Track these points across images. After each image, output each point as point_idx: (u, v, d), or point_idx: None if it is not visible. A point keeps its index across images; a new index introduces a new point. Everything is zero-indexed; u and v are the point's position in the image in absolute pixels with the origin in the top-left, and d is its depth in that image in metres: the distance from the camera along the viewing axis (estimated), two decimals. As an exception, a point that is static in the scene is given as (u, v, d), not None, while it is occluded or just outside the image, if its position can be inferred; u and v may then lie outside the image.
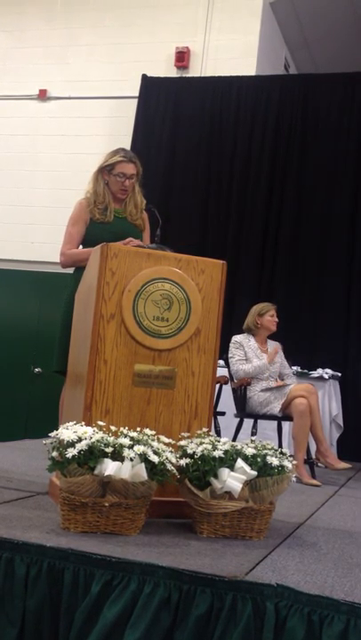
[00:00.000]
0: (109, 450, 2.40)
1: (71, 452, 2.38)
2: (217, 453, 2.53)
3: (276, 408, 4.75)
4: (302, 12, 8.01)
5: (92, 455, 2.40)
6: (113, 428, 2.58)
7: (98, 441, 2.42)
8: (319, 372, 6.20)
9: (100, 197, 3.50)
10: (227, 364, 5.06)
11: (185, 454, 2.59)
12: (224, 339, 3.45)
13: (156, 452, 2.44)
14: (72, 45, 8.04)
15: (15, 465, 3.91)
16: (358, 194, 6.92)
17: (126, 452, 2.40)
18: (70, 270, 3.57)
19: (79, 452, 2.39)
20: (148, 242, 3.56)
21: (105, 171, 3.52)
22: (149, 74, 7.60)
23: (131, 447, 2.42)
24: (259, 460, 2.57)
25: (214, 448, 2.56)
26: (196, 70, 7.64)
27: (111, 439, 2.45)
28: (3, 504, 2.79)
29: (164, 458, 2.46)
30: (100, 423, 2.59)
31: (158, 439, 2.56)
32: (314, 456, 4.79)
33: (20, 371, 7.69)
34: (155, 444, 2.49)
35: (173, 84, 7.58)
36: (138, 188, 3.59)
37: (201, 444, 2.59)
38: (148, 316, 2.86)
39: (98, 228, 3.47)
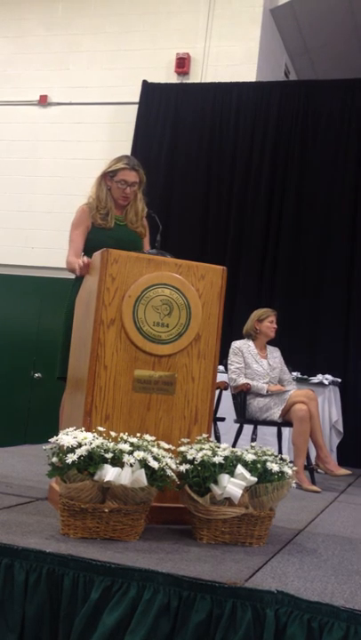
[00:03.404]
0: (109, 456, 2.40)
1: (71, 458, 2.38)
2: (217, 459, 2.53)
3: (275, 414, 4.74)
4: (302, 19, 8.03)
5: (92, 461, 2.40)
6: (113, 433, 2.58)
7: (98, 447, 2.42)
8: (319, 377, 6.19)
9: (102, 203, 3.52)
10: (227, 370, 5.05)
11: (185, 460, 2.59)
12: (224, 344, 3.45)
13: (155, 458, 2.44)
14: (72, 51, 8.07)
15: (15, 470, 3.91)
16: (359, 199, 6.93)
17: (126, 458, 2.40)
18: (72, 276, 3.57)
19: (79, 458, 2.39)
20: (148, 248, 3.57)
21: (108, 176, 3.53)
22: (150, 80, 7.62)
23: (130, 453, 2.42)
24: (259, 466, 2.57)
25: (214, 454, 2.56)
26: (197, 76, 7.66)
27: (111, 445, 2.45)
28: (2, 509, 2.79)
29: (164, 464, 2.45)
30: (100, 429, 2.59)
31: (158, 445, 2.56)
32: (314, 462, 4.78)
33: (20, 376, 7.69)
34: (155, 449, 2.49)
35: (174, 90, 7.60)
36: (140, 196, 3.60)
37: (201, 449, 2.59)
38: (148, 321, 2.86)
39: (99, 233, 3.48)
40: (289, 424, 4.77)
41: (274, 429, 5.16)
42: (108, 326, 2.83)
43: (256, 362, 4.97)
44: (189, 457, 2.58)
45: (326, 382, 6.17)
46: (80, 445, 2.42)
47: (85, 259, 3.13)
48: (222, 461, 2.54)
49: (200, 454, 2.55)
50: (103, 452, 2.41)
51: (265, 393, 4.82)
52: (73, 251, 3.48)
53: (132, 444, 2.48)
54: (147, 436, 2.58)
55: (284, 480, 2.60)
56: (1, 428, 7.36)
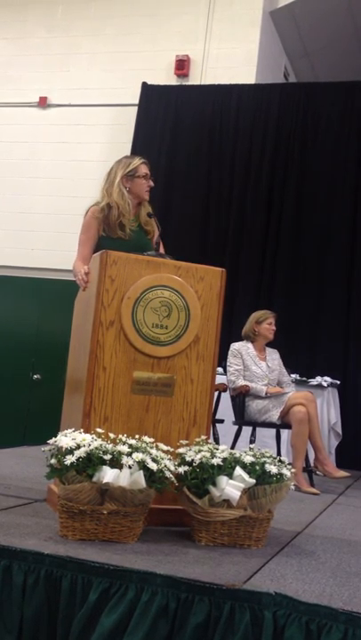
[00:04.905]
0: (108, 457, 2.40)
1: (70, 460, 2.38)
2: (215, 461, 2.53)
3: (274, 416, 4.74)
4: (302, 22, 8.04)
5: (91, 462, 2.40)
6: (112, 435, 2.58)
7: (96, 448, 2.42)
8: (318, 379, 6.19)
9: (126, 208, 3.40)
10: (226, 372, 5.05)
11: (183, 462, 2.59)
12: (223, 346, 3.44)
13: (154, 460, 2.44)
14: (73, 53, 8.07)
15: (14, 472, 3.90)
16: (358, 201, 6.93)
17: (125, 460, 2.40)
18: (73, 277, 3.55)
19: (78, 460, 2.39)
20: (161, 244, 3.52)
21: (125, 178, 3.45)
22: (149, 82, 7.63)
23: (129, 455, 2.42)
24: (257, 467, 2.57)
25: (213, 456, 2.56)
26: (196, 78, 7.67)
27: (110, 446, 2.45)
28: (1, 511, 2.78)
29: (163, 465, 2.45)
30: (99, 430, 2.59)
31: (157, 447, 2.56)
32: (312, 464, 4.78)
33: (19, 377, 7.69)
34: (153, 451, 2.49)
35: (173, 92, 7.61)
36: None
37: (199, 451, 2.59)
38: (147, 323, 2.86)
39: (108, 241, 3.37)
40: (288, 426, 4.77)
41: (273, 431, 5.16)
42: (107, 328, 2.83)
43: (255, 364, 4.97)
44: (188, 459, 2.58)
45: (325, 384, 6.17)
46: (79, 447, 2.42)
47: (87, 267, 3.11)
48: (221, 463, 2.54)
49: (199, 456, 2.56)
50: (102, 453, 2.41)
51: (264, 395, 4.82)
52: (81, 256, 3.39)
53: (130, 446, 2.48)
54: (145, 438, 2.58)
55: (282, 482, 2.60)
56: (0, 429, 7.36)
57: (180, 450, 2.67)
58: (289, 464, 2.72)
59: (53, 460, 2.47)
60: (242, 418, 4.91)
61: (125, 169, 3.46)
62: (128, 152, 7.32)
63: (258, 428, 4.92)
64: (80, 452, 2.39)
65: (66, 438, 2.46)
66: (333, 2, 7.84)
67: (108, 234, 3.40)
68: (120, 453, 2.42)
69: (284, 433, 5.21)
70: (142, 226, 3.52)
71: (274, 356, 5.14)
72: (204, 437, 2.82)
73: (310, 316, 6.88)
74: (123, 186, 3.44)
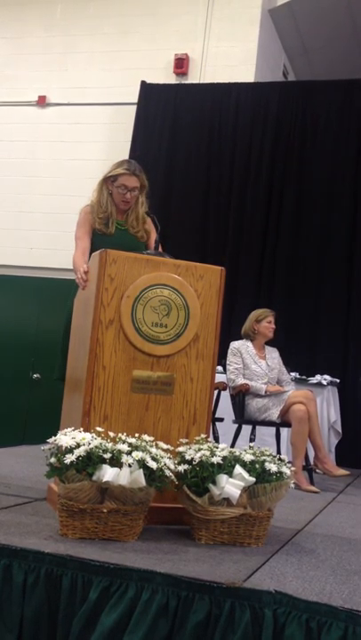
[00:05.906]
0: (108, 456, 2.40)
1: (69, 459, 2.38)
2: (215, 460, 2.53)
3: (274, 414, 4.74)
4: (301, 20, 8.04)
5: (91, 461, 2.40)
6: (111, 434, 2.58)
7: (96, 447, 2.41)
8: (318, 378, 6.19)
9: (102, 207, 3.54)
10: (225, 371, 5.05)
11: (183, 460, 2.59)
12: (223, 344, 3.44)
13: (154, 459, 2.44)
14: (71, 52, 8.07)
15: (13, 471, 3.90)
16: (358, 200, 6.93)
17: (125, 459, 2.40)
18: (71, 276, 3.56)
19: (77, 459, 2.39)
20: (159, 243, 3.56)
21: (109, 181, 3.56)
22: (148, 80, 7.62)
23: (129, 453, 2.42)
24: (257, 466, 2.57)
25: (213, 454, 2.56)
26: (195, 77, 7.67)
27: (109, 445, 2.45)
28: (1, 510, 2.78)
29: (163, 464, 2.45)
30: (99, 429, 2.59)
31: (157, 445, 2.56)
32: (312, 463, 4.78)
33: (19, 376, 7.69)
34: (153, 450, 2.49)
35: (172, 91, 7.60)
36: (142, 200, 3.60)
37: (199, 450, 2.59)
38: (146, 321, 2.86)
39: (100, 240, 3.46)
40: (287, 424, 4.77)
41: (272, 430, 5.16)
42: (106, 327, 2.83)
43: (255, 362, 4.97)
44: (188, 457, 2.58)
45: (325, 383, 6.17)
46: (78, 446, 2.42)
47: (86, 266, 3.12)
48: (221, 462, 2.54)
49: (198, 455, 2.55)
50: (102, 452, 2.41)
51: (263, 393, 4.82)
52: (80, 249, 3.48)
53: (130, 445, 2.47)
54: (145, 437, 2.58)
55: (282, 480, 2.60)
56: (0, 429, 7.36)
57: (180, 448, 2.67)
58: (289, 462, 2.72)
59: (53, 459, 2.47)
60: (242, 416, 4.91)
61: (108, 172, 3.58)
62: (127, 151, 7.34)
63: (258, 427, 4.92)
64: (80, 451, 2.39)
65: (65, 437, 2.46)
66: (332, 0, 7.84)
67: (96, 228, 3.54)
68: (120, 452, 2.42)
69: (284, 431, 5.21)
70: (132, 233, 3.55)
71: (273, 354, 5.14)
72: (203, 436, 2.81)
73: (310, 316, 6.88)
74: (105, 187, 3.57)
